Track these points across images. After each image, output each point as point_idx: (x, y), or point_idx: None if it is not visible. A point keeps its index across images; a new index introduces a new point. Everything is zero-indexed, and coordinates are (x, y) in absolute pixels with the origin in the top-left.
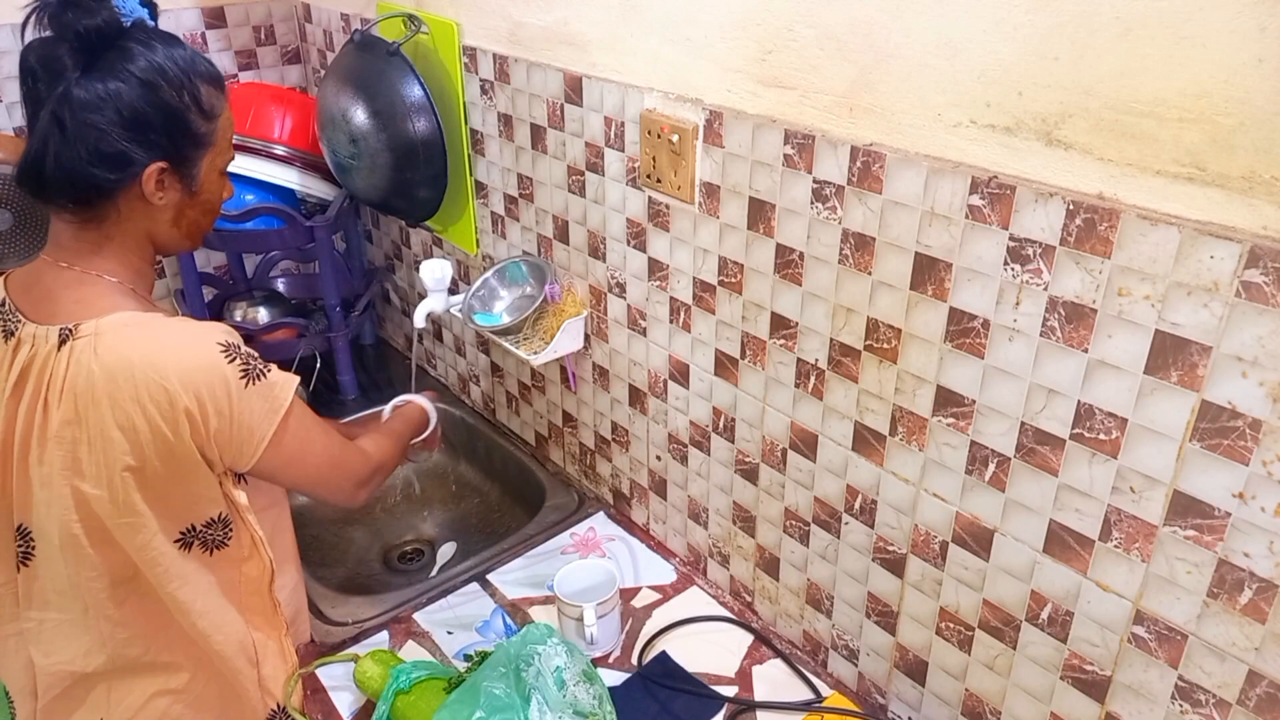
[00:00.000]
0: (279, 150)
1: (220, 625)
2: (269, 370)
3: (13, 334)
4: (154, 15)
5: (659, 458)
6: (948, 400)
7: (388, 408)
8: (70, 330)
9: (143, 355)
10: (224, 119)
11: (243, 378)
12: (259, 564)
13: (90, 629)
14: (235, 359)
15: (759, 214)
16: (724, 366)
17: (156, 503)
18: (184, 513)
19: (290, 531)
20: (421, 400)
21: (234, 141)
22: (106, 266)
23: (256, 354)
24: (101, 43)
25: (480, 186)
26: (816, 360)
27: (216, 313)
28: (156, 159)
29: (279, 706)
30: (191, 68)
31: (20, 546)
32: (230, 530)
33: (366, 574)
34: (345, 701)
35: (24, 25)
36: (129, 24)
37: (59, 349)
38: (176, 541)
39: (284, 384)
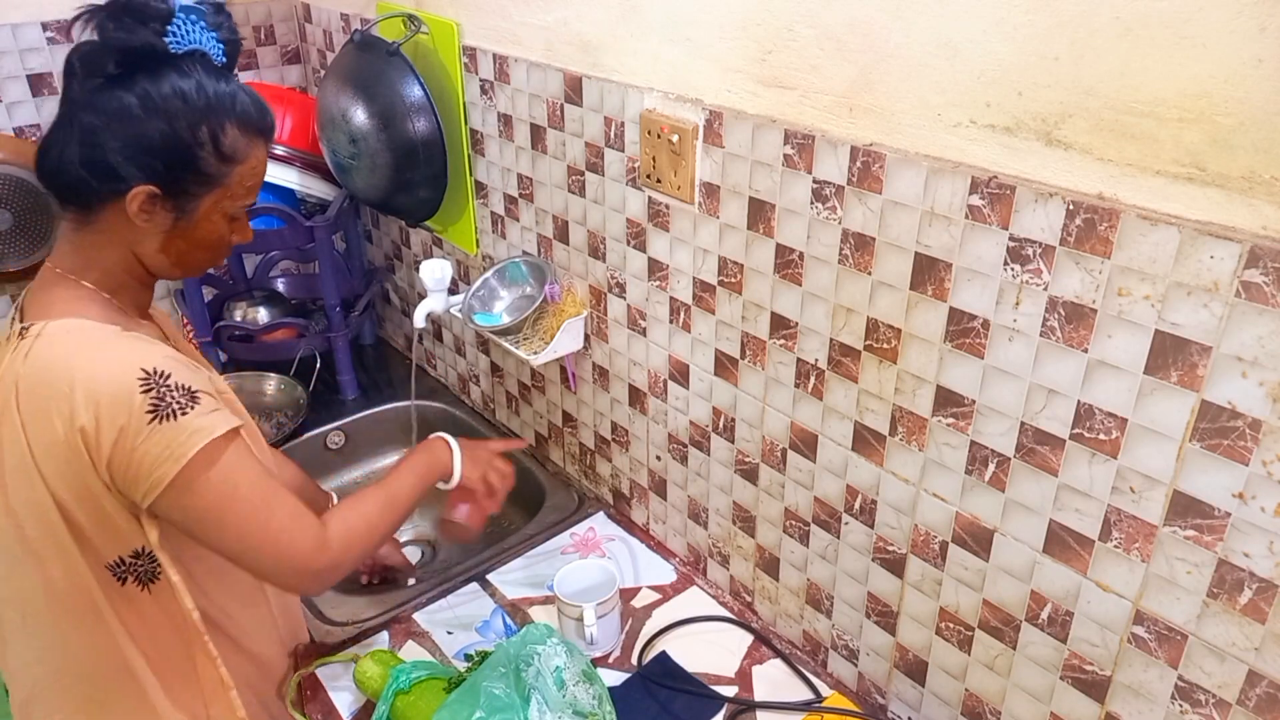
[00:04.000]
0: (279, 150)
1: (164, 662)
2: (189, 412)
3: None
4: (226, 55)
5: (659, 458)
6: (948, 400)
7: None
8: (25, 329)
9: (61, 364)
10: (246, 166)
11: (150, 412)
12: (180, 610)
13: (30, 642)
14: (151, 390)
15: (759, 214)
16: (724, 366)
17: (78, 527)
18: (109, 542)
19: None
20: (444, 438)
21: None
22: (85, 271)
23: (192, 391)
24: (140, 60)
25: (480, 186)
26: (816, 360)
27: (216, 313)
28: (147, 182)
29: None
30: (225, 107)
31: None
32: (159, 565)
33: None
34: (345, 701)
35: (71, 25)
36: (179, 52)
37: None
38: (109, 569)
39: (199, 431)
